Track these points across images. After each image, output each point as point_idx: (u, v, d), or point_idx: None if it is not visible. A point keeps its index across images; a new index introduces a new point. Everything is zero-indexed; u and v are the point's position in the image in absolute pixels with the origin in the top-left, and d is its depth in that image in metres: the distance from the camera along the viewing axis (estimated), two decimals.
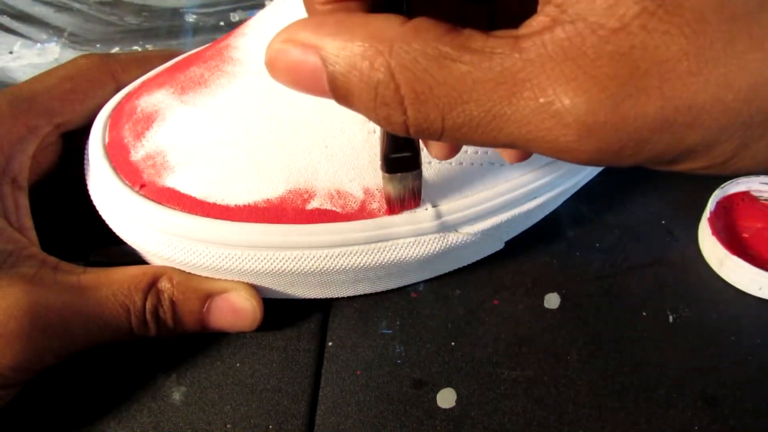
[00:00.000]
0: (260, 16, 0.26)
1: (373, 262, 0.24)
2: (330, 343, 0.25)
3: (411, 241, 0.24)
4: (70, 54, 0.40)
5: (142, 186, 0.23)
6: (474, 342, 0.25)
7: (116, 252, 0.28)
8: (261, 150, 0.23)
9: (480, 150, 0.24)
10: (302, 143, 0.23)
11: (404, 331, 0.25)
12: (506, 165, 0.25)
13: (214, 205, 0.23)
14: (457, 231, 0.25)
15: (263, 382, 0.24)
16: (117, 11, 0.43)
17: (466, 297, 0.26)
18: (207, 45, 0.27)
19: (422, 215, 0.24)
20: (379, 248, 0.24)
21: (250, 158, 0.23)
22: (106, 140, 0.24)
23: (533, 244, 0.28)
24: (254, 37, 0.25)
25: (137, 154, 0.23)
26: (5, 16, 0.43)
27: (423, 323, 0.25)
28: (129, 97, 0.26)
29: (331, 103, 0.23)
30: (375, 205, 0.23)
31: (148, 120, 0.24)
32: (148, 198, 0.23)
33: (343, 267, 0.24)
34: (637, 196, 0.28)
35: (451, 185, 0.24)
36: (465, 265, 0.27)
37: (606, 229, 0.28)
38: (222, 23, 0.42)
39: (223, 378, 0.24)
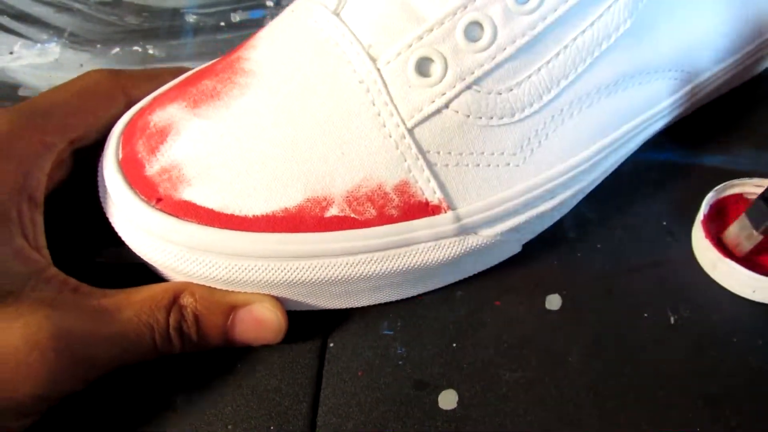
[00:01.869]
0: (269, 28, 0.26)
1: (394, 268, 0.24)
2: (331, 344, 0.25)
3: (431, 245, 0.24)
4: (70, 54, 0.40)
5: (159, 200, 0.23)
6: (475, 343, 0.25)
7: (121, 253, 0.28)
8: (277, 159, 0.23)
9: (496, 150, 0.24)
10: (318, 150, 0.23)
11: (406, 332, 0.25)
12: (522, 165, 0.25)
13: (232, 216, 0.22)
14: (476, 233, 0.24)
15: (264, 382, 0.24)
16: (117, 11, 0.43)
17: (467, 298, 0.26)
18: (217, 59, 0.27)
19: (441, 219, 0.24)
20: (400, 254, 0.24)
21: (267, 168, 0.23)
22: (120, 156, 0.24)
23: (535, 246, 0.27)
24: (265, 49, 0.25)
25: (152, 169, 0.23)
26: (5, 16, 0.43)
27: (424, 324, 0.25)
28: (141, 112, 0.25)
29: (346, 111, 0.23)
30: (393, 211, 0.23)
31: (162, 134, 0.24)
32: (165, 212, 0.23)
33: (364, 274, 0.23)
34: (637, 197, 0.28)
35: (468, 187, 0.24)
36: (486, 268, 0.27)
37: (607, 230, 0.28)
38: (222, 23, 0.42)
39: (224, 379, 0.24)
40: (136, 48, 0.40)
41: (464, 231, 0.24)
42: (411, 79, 0.23)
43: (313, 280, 0.23)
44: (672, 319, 0.25)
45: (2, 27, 0.42)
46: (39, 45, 0.41)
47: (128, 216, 0.23)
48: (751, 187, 0.28)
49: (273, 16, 0.42)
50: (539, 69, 0.24)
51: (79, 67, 0.38)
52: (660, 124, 0.30)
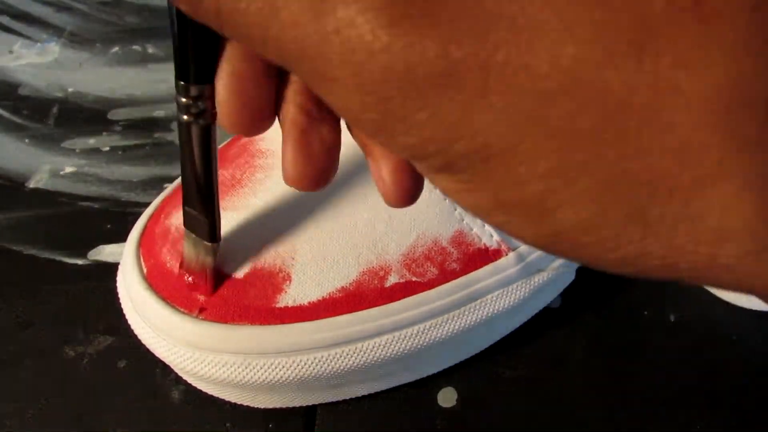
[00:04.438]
0: None
1: (464, 326, 0.22)
2: None
3: (499, 294, 0.22)
4: (69, 53, 0.40)
5: (202, 309, 0.20)
6: None
7: (115, 250, 0.28)
8: (321, 236, 0.21)
9: None
10: (363, 218, 0.21)
11: None
12: None
13: (287, 308, 0.20)
14: (539, 270, 0.23)
15: None
16: (117, 11, 0.43)
17: None
18: (221, 146, 0.25)
19: (504, 262, 0.22)
20: (468, 310, 0.22)
21: (313, 248, 0.21)
22: (145, 270, 0.22)
23: None
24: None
25: (187, 276, 0.21)
26: (5, 15, 0.43)
27: None
28: (156, 219, 0.23)
29: None
30: (455, 265, 0.22)
31: None
32: (212, 321, 0.20)
33: (436, 339, 0.22)
34: None
35: None
36: (544, 306, 0.25)
37: None
38: None
39: None
40: (135, 47, 0.40)
41: (529, 270, 0.23)
42: None
43: (384, 358, 0.21)
44: (672, 318, 0.25)
45: (2, 26, 0.42)
46: (39, 44, 0.41)
47: (170, 334, 0.21)
48: None
49: None
50: None
51: (78, 66, 0.38)
52: None
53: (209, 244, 0.20)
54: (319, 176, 0.16)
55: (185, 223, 0.20)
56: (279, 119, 0.16)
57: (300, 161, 0.15)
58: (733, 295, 0.25)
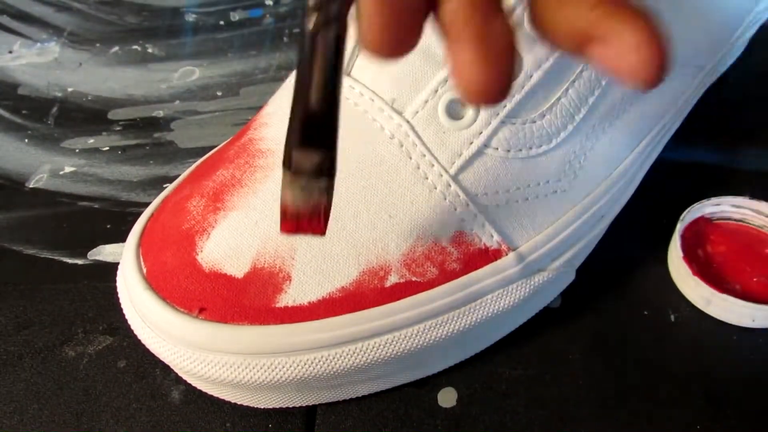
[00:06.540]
0: (276, 102, 0.24)
1: (464, 326, 0.22)
2: None
3: (498, 294, 0.22)
4: (69, 53, 0.40)
5: (202, 309, 0.21)
6: None
7: (115, 250, 0.28)
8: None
9: (541, 180, 0.23)
10: (363, 218, 0.21)
11: None
12: (569, 189, 0.24)
13: (286, 308, 0.20)
14: (539, 270, 0.23)
15: None
16: (117, 11, 0.43)
17: None
18: (221, 146, 0.25)
19: (505, 262, 0.22)
20: (468, 310, 0.22)
21: (313, 248, 0.21)
22: (144, 270, 0.22)
23: None
24: (279, 124, 0.23)
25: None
26: (5, 15, 0.43)
27: None
28: (155, 219, 0.23)
29: (383, 171, 0.22)
30: (455, 265, 0.22)
31: (188, 236, 0.22)
32: (212, 320, 0.20)
33: (436, 339, 0.22)
34: (638, 194, 0.28)
35: (523, 223, 0.23)
36: (544, 306, 0.25)
37: (608, 227, 0.27)
38: (222, 22, 0.42)
39: None
40: (135, 47, 0.40)
41: (529, 271, 0.23)
42: (444, 124, 0.22)
43: (384, 358, 0.21)
44: (672, 317, 0.25)
45: (2, 26, 0.42)
46: (38, 44, 0.41)
47: (170, 334, 0.21)
48: (709, 207, 0.27)
49: (271, 15, 0.42)
50: (567, 90, 0.23)
51: (78, 66, 0.38)
52: (681, 120, 0.30)
53: (326, 179, 0.17)
54: (504, 84, 0.13)
55: (293, 168, 0.17)
56: (441, 24, 0.13)
57: (483, 65, 0.13)
58: (737, 318, 0.25)
